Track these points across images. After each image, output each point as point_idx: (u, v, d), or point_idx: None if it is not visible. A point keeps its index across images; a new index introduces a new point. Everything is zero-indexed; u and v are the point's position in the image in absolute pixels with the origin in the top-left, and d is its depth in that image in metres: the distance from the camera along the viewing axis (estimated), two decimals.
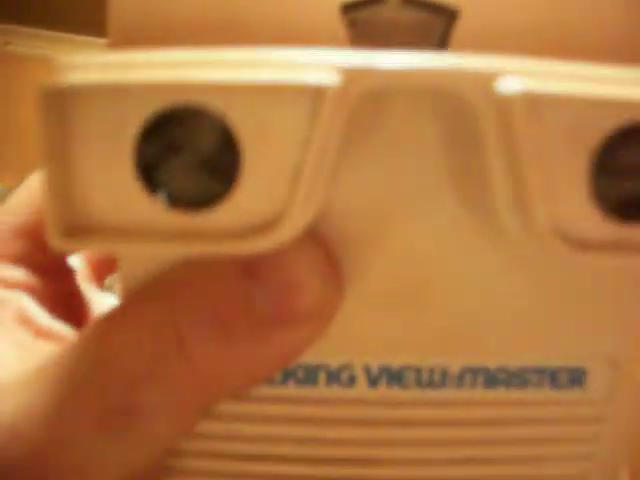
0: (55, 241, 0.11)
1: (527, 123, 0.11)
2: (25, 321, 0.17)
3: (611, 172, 0.11)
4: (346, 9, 0.15)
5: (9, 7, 1.51)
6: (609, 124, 0.11)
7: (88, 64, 0.11)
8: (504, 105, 0.11)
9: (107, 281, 0.23)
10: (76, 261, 0.20)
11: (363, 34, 0.15)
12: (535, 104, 0.11)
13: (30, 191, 0.19)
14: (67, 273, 0.19)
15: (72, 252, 0.20)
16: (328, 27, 0.15)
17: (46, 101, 0.11)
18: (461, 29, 0.15)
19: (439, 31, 0.15)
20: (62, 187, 0.11)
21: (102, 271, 0.22)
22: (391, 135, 0.14)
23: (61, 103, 0.11)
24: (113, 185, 0.11)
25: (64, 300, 0.19)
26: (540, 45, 0.14)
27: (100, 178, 0.11)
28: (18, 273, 0.18)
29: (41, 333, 0.17)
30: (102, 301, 0.21)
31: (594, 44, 0.15)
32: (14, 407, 0.14)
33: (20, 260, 0.18)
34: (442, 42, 0.15)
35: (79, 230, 0.11)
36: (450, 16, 0.15)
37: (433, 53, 0.13)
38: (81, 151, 0.11)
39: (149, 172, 0.11)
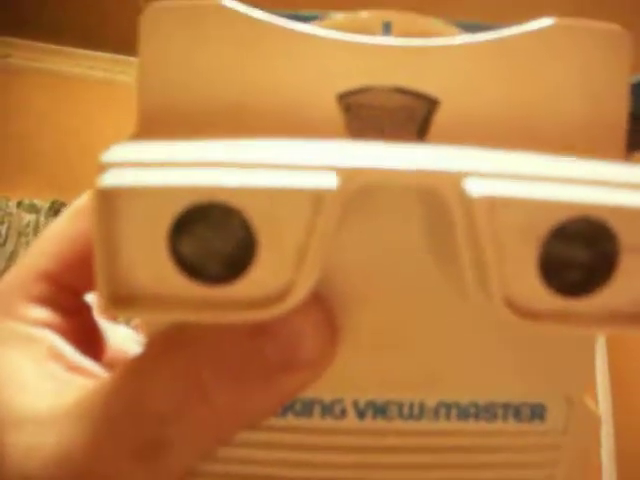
0: (105, 309, 0.14)
1: (486, 220, 0.13)
2: (57, 357, 0.18)
3: (556, 256, 0.14)
4: (342, 96, 0.17)
5: (9, 20, 1.49)
6: (554, 219, 0.13)
7: (131, 161, 0.14)
8: (469, 205, 0.13)
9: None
10: (91, 297, 0.22)
11: (357, 117, 0.17)
12: (494, 204, 0.13)
13: (51, 237, 0.20)
14: (85, 309, 0.21)
15: (117, 317, 0.22)
16: (327, 112, 0.17)
17: (98, 199, 0.13)
18: (441, 114, 0.17)
19: (421, 115, 0.17)
20: (110, 266, 0.13)
21: None
22: (381, 216, 0.16)
23: (109, 201, 0.13)
24: (151, 265, 0.14)
25: (85, 335, 0.20)
26: (506, 130, 0.17)
27: (141, 260, 0.14)
28: (45, 313, 0.19)
29: (72, 368, 0.18)
30: (116, 333, 0.22)
31: (554, 130, 0.17)
32: (56, 440, 0.16)
33: (45, 301, 0.19)
34: (424, 124, 0.17)
35: (123, 300, 0.14)
36: (431, 103, 0.17)
37: (414, 147, 0.15)
38: (126, 238, 0.13)
39: (181, 254, 0.14)
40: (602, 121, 0.17)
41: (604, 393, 1.74)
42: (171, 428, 0.16)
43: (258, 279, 0.14)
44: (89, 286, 0.21)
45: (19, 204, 1.59)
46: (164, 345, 0.16)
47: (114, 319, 0.22)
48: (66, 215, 0.21)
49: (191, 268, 0.14)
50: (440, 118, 0.17)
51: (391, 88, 0.17)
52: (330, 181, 0.13)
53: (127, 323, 0.23)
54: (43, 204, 1.61)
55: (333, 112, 0.17)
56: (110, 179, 0.13)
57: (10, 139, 1.55)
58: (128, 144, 0.15)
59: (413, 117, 0.17)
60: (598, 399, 1.72)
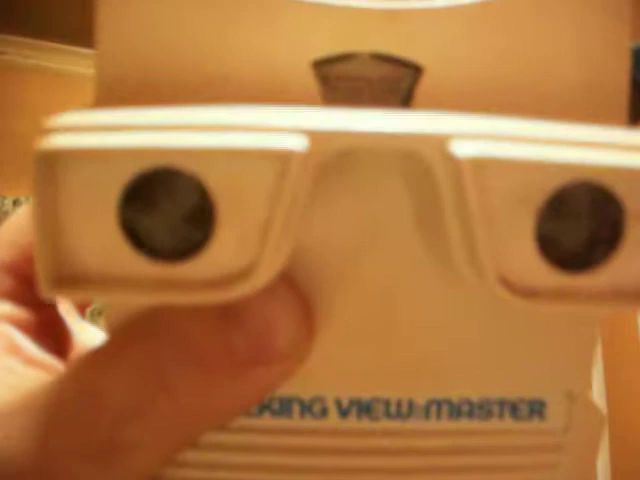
0: (45, 290, 0.12)
1: (476, 184, 0.12)
2: (14, 351, 0.17)
3: (555, 227, 0.12)
4: (318, 65, 0.16)
5: (4, 17, 1.50)
6: (551, 184, 0.12)
7: (77, 125, 0.12)
8: (456, 168, 0.12)
9: (88, 310, 0.23)
10: None
11: (334, 88, 0.16)
12: (483, 167, 0.12)
13: (12, 228, 0.20)
14: (50, 305, 0.20)
15: (61, 300, 0.21)
16: (301, 82, 0.15)
17: (36, 163, 0.12)
18: (426, 83, 0.16)
19: (405, 85, 0.16)
20: (51, 241, 0.12)
21: (83, 301, 0.23)
22: (360, 186, 0.14)
23: (50, 165, 0.12)
24: (98, 239, 0.12)
25: (49, 330, 0.19)
26: (498, 100, 0.15)
27: (86, 233, 0.12)
28: (5, 307, 0.18)
29: (31, 361, 0.17)
30: (84, 330, 0.21)
31: (549, 99, 0.16)
32: (5, 434, 0.15)
33: (6, 295, 0.19)
34: (408, 95, 0.16)
35: (67, 281, 0.12)
36: (416, 71, 0.16)
37: (396, 112, 0.14)
38: (69, 208, 0.12)
39: (132, 227, 0.12)
40: (601, 88, 0.16)
41: (599, 400, 1.73)
42: (129, 427, 0.14)
43: (218, 255, 0.12)
44: None
45: (15, 202, 1.58)
46: (123, 336, 0.15)
47: (76, 309, 0.21)
48: (26, 206, 0.20)
49: (143, 243, 0.12)
50: (425, 87, 0.16)
51: (371, 55, 0.16)
52: (299, 143, 0.12)
53: (93, 322, 0.22)
54: None
55: (308, 81, 0.15)
56: (52, 142, 0.12)
57: (4, 137, 1.55)
58: (79, 111, 0.13)
59: (395, 87, 0.16)
60: None
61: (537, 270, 0.12)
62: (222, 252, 0.12)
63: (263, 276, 0.12)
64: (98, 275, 0.12)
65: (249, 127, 0.12)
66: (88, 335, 0.21)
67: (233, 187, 0.12)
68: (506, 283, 0.12)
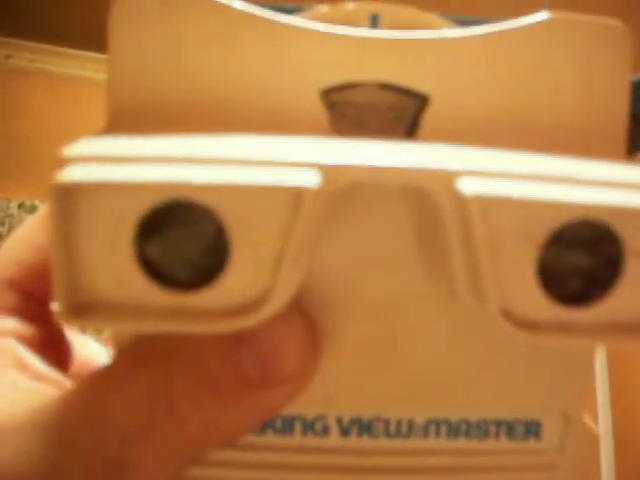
0: (64, 319, 0.12)
1: (481, 221, 0.12)
2: (20, 366, 0.18)
3: (557, 262, 0.13)
4: (326, 93, 0.16)
5: (10, 21, 1.49)
6: (553, 222, 0.12)
7: (94, 156, 0.13)
8: (462, 205, 0.12)
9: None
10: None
11: (342, 116, 0.16)
12: (488, 205, 0.12)
13: (16, 245, 0.20)
14: (52, 320, 0.20)
15: (79, 327, 0.21)
16: (310, 109, 0.16)
17: (54, 195, 0.12)
18: (431, 112, 0.16)
19: (411, 113, 0.16)
20: (69, 271, 0.12)
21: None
22: (365, 215, 0.15)
23: (68, 197, 0.12)
24: (114, 269, 0.12)
25: (52, 345, 0.19)
26: (501, 130, 0.16)
27: (103, 263, 0.12)
28: (10, 323, 0.19)
29: (37, 377, 0.17)
30: (85, 344, 0.22)
31: (551, 130, 0.16)
32: (14, 450, 0.15)
33: (11, 311, 0.19)
34: (413, 124, 0.16)
35: (84, 309, 0.12)
36: (421, 101, 0.16)
37: (402, 145, 0.14)
38: (86, 239, 0.12)
39: (147, 258, 0.12)
40: (601, 120, 0.16)
41: (604, 407, 1.74)
42: (136, 446, 0.15)
43: (232, 286, 0.13)
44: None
45: (20, 205, 1.58)
46: (132, 356, 0.15)
47: (80, 330, 0.21)
48: (31, 222, 0.20)
49: (158, 273, 0.12)
50: (430, 116, 0.16)
51: (378, 84, 0.16)
52: (311, 178, 0.12)
53: (96, 337, 0.22)
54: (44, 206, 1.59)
55: (317, 109, 0.16)
56: (70, 174, 0.12)
57: (10, 140, 1.55)
58: (94, 139, 0.14)
59: (401, 115, 0.16)
60: (598, 413, 1.72)
61: (538, 303, 0.13)
62: (235, 282, 0.13)
63: (275, 305, 0.13)
64: (114, 304, 0.13)
65: (263, 162, 0.12)
66: (89, 350, 0.22)
67: (247, 220, 0.12)
68: (508, 315, 0.13)
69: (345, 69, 0.16)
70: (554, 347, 0.16)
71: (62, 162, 0.12)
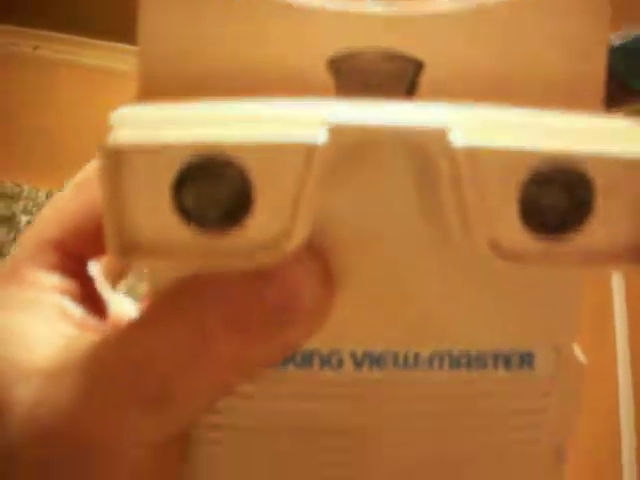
0: (114, 259, 0.15)
1: (468, 168, 0.14)
2: (66, 316, 0.19)
3: (536, 201, 0.15)
4: (333, 61, 0.18)
5: (38, 12, 1.49)
6: (532, 166, 0.14)
7: (135, 121, 0.15)
8: (452, 155, 0.14)
9: (119, 286, 0.26)
10: (94, 268, 0.23)
11: (347, 81, 0.18)
12: (474, 154, 0.14)
13: (56, 207, 0.22)
14: (89, 278, 0.22)
15: (126, 266, 0.23)
16: (318, 76, 0.18)
17: (104, 156, 0.14)
18: (426, 76, 0.18)
19: (409, 78, 0.18)
20: (117, 219, 0.14)
21: (116, 275, 0.25)
22: (373, 171, 0.17)
23: (114, 158, 0.14)
24: (155, 216, 0.15)
25: (90, 299, 0.21)
26: (490, 91, 0.18)
27: (146, 211, 0.15)
28: (53, 278, 0.20)
29: (81, 326, 0.19)
30: (118, 302, 0.23)
31: (535, 89, 0.18)
32: (64, 392, 0.17)
33: (53, 267, 0.20)
34: (411, 87, 0.18)
35: (130, 250, 0.15)
36: (418, 66, 0.18)
37: (401, 105, 0.16)
38: (131, 192, 0.14)
39: (183, 205, 0.15)
40: (582, 80, 0.18)
41: (622, 347, 1.73)
42: (174, 382, 0.16)
43: (256, 228, 0.15)
44: (93, 254, 0.22)
45: (48, 195, 1.60)
46: (169, 299, 0.17)
47: (124, 272, 0.23)
48: (69, 187, 0.22)
49: (192, 219, 0.15)
50: (426, 80, 0.18)
51: (380, 52, 0.18)
52: (321, 136, 0.14)
53: (130, 294, 0.24)
54: None
55: (324, 76, 0.18)
56: (116, 138, 0.14)
57: (39, 131, 1.55)
58: (132, 106, 0.16)
59: (401, 80, 0.18)
60: (617, 354, 1.72)
61: (521, 237, 0.15)
62: (259, 224, 0.15)
63: (294, 244, 0.15)
64: (155, 246, 0.15)
65: (281, 121, 0.15)
66: (121, 305, 0.23)
67: (268, 171, 0.14)
68: (495, 248, 0.15)
69: (350, 40, 0.18)
70: (538, 278, 0.18)
71: (108, 128, 0.14)
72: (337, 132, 0.14)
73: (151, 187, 0.14)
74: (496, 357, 0.19)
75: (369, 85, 0.18)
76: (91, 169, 0.22)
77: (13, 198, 1.55)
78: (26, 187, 1.55)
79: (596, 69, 0.18)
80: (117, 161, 0.14)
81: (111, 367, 0.17)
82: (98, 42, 1.60)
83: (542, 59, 0.18)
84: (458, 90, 0.18)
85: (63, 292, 0.20)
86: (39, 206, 1.59)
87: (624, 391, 1.60)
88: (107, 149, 0.14)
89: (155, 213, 0.15)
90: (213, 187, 0.14)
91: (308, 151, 0.14)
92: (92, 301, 0.21)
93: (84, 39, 1.60)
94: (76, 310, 0.20)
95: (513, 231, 0.15)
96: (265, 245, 0.15)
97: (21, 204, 1.55)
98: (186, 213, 0.15)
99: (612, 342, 1.63)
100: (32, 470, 0.17)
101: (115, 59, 1.57)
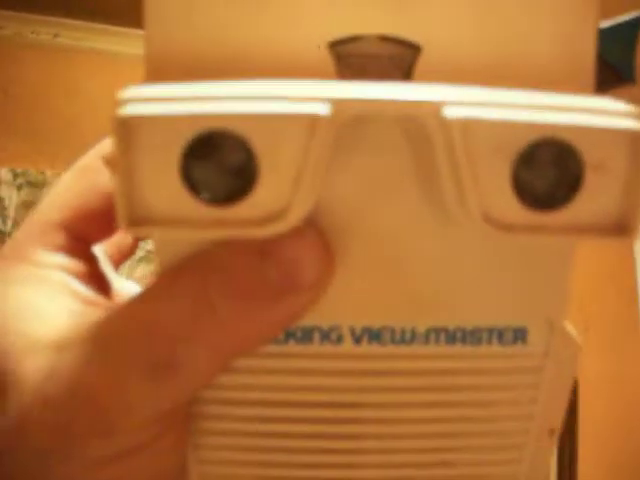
0: (124, 229, 0.15)
1: (461, 140, 0.15)
2: (72, 293, 0.20)
3: (528, 174, 0.15)
4: (333, 45, 0.19)
5: (58, 0, 1.49)
6: (523, 139, 0.15)
7: (146, 97, 0.15)
8: (446, 128, 0.15)
9: (121, 268, 0.26)
10: (97, 250, 0.23)
11: (347, 64, 0.19)
12: (467, 126, 0.15)
13: (62, 190, 0.22)
14: (94, 259, 0.23)
15: (137, 236, 0.24)
16: (319, 59, 0.18)
17: (116, 127, 0.15)
18: (423, 60, 0.19)
19: (407, 61, 0.19)
20: (128, 190, 0.15)
21: (116, 259, 0.25)
22: (371, 146, 0.17)
23: (126, 129, 0.15)
24: (164, 188, 0.15)
25: (94, 279, 0.22)
26: (484, 73, 0.18)
27: (155, 183, 0.15)
28: (60, 259, 0.21)
29: (87, 302, 0.20)
30: (120, 281, 0.24)
31: (527, 71, 0.19)
32: (74, 362, 0.18)
33: (59, 248, 0.21)
34: (409, 70, 0.19)
35: (141, 221, 0.15)
36: (415, 50, 0.19)
37: (399, 84, 0.17)
38: (141, 164, 0.15)
39: (191, 178, 0.15)
40: (573, 62, 0.18)
41: None
42: (182, 349, 0.17)
43: (260, 200, 0.15)
44: (97, 235, 0.22)
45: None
46: (175, 272, 0.18)
47: (127, 253, 0.24)
48: (73, 171, 0.23)
49: (200, 191, 0.15)
50: (423, 63, 0.18)
51: (379, 37, 0.19)
52: (324, 109, 0.15)
53: (128, 277, 0.25)
54: None
55: (325, 60, 0.18)
56: (127, 110, 0.15)
57: (58, 118, 1.55)
58: (141, 86, 0.16)
59: (399, 63, 0.19)
60: None
61: (514, 209, 0.15)
62: (263, 197, 0.15)
63: (296, 215, 0.16)
64: (164, 216, 0.15)
65: (284, 97, 0.15)
66: (124, 286, 0.24)
67: (272, 144, 0.15)
68: (488, 219, 0.15)
69: (350, 25, 0.18)
70: (531, 249, 0.18)
71: (120, 102, 0.15)
72: (339, 105, 0.15)
73: (160, 159, 0.15)
74: (490, 332, 0.19)
75: (368, 69, 0.19)
76: (94, 153, 0.22)
77: (37, 186, 1.56)
78: (49, 174, 1.56)
79: (586, 54, 0.19)
80: (127, 132, 0.15)
81: (119, 335, 0.18)
82: (117, 29, 1.59)
83: (533, 43, 0.19)
84: (453, 73, 0.18)
85: (69, 271, 0.21)
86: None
87: None
88: (118, 120, 0.15)
89: (164, 185, 0.15)
90: (220, 159, 0.15)
91: (311, 122, 0.15)
92: (96, 281, 0.22)
93: (104, 26, 1.59)
94: (82, 288, 0.21)
95: (505, 202, 0.15)
96: (270, 216, 0.15)
97: (45, 191, 1.56)
98: (194, 185, 0.15)
99: None
100: (44, 439, 0.18)
101: (134, 46, 1.57)
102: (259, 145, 0.15)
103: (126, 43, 1.59)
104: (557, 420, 0.21)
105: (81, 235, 0.22)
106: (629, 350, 1.75)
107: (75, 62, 1.61)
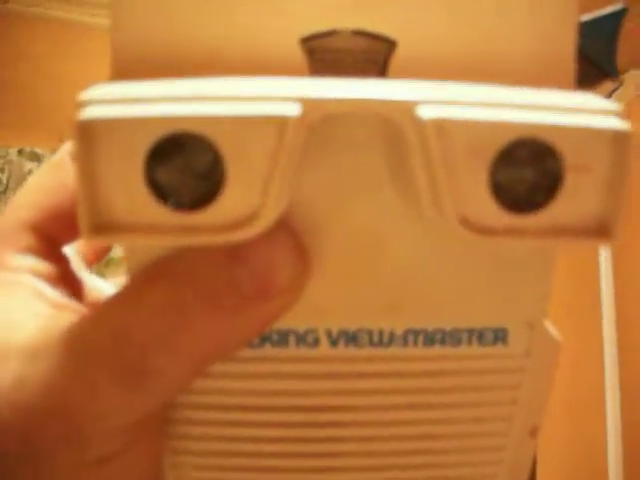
0: (86, 237, 0.15)
1: (437, 141, 0.14)
2: (40, 297, 0.19)
3: (506, 176, 0.15)
4: (306, 40, 0.18)
5: None
6: (501, 140, 0.14)
7: (107, 98, 0.15)
8: (421, 129, 0.14)
9: (94, 267, 0.26)
10: (69, 250, 0.23)
11: (320, 60, 0.18)
12: (442, 126, 0.14)
13: (32, 189, 0.21)
14: (65, 260, 0.22)
15: (98, 245, 0.23)
16: (291, 55, 0.18)
17: (76, 131, 0.14)
18: (399, 55, 0.18)
19: (381, 56, 0.18)
20: (91, 196, 0.14)
21: (90, 259, 0.25)
22: (343, 144, 0.17)
23: (87, 133, 0.14)
24: (128, 194, 0.14)
25: (65, 280, 0.21)
26: (461, 69, 0.18)
27: (119, 189, 0.14)
28: (29, 261, 0.20)
29: (56, 306, 0.19)
30: (93, 283, 0.23)
31: (505, 67, 0.18)
32: (44, 369, 0.17)
33: (29, 250, 0.20)
34: (384, 66, 0.18)
35: (103, 229, 0.15)
36: (390, 45, 0.18)
37: (373, 81, 0.16)
38: (104, 169, 0.14)
39: (155, 183, 0.15)
40: (552, 58, 0.18)
41: (609, 316, 1.75)
42: (154, 357, 0.17)
43: (228, 205, 0.15)
44: (68, 237, 0.22)
45: (20, 152, 1.58)
46: (145, 278, 0.17)
47: (100, 253, 0.23)
48: (46, 168, 0.22)
49: (165, 196, 0.15)
50: (398, 59, 0.18)
51: (353, 31, 0.18)
52: (293, 109, 0.14)
53: (102, 277, 0.24)
54: (45, 152, 1.60)
55: (297, 56, 0.18)
56: (88, 114, 0.14)
57: (9, 87, 1.53)
58: (105, 84, 0.16)
59: (373, 58, 0.18)
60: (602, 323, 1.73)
61: (491, 212, 0.15)
62: (231, 201, 0.15)
63: (266, 220, 0.15)
64: (128, 223, 0.15)
65: (252, 97, 0.15)
66: (97, 285, 0.24)
67: (239, 147, 0.14)
68: (466, 223, 0.15)
69: (322, 19, 0.18)
70: (510, 253, 0.18)
71: (79, 104, 0.14)
72: (309, 105, 0.14)
73: (124, 163, 0.14)
74: (470, 333, 0.19)
75: (342, 64, 0.18)
76: (67, 149, 0.22)
77: None
78: None
79: (566, 48, 0.18)
80: (89, 136, 0.14)
81: (89, 341, 0.17)
82: None
83: (511, 38, 0.18)
84: (429, 69, 0.18)
85: (38, 274, 0.20)
86: (10, 164, 1.56)
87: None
88: (79, 124, 0.14)
89: (128, 191, 0.14)
90: (186, 163, 0.14)
91: (280, 124, 0.14)
92: (68, 282, 0.21)
93: None
94: (51, 291, 0.20)
95: (483, 205, 0.15)
96: (239, 221, 0.15)
97: None
98: (159, 190, 0.15)
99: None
100: (16, 449, 0.17)
101: (87, 13, 1.54)
102: (226, 148, 0.14)
103: (78, 10, 1.56)
104: (538, 420, 0.21)
105: (53, 235, 0.21)
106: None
107: (26, 29, 1.58)
